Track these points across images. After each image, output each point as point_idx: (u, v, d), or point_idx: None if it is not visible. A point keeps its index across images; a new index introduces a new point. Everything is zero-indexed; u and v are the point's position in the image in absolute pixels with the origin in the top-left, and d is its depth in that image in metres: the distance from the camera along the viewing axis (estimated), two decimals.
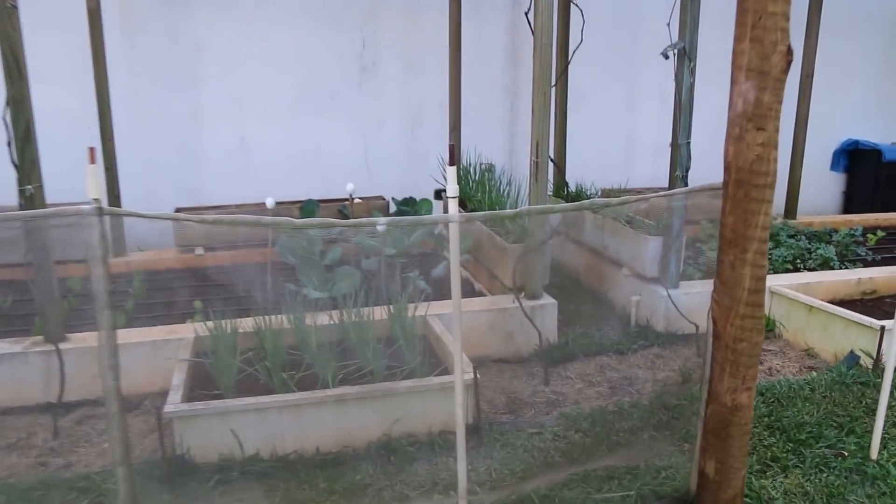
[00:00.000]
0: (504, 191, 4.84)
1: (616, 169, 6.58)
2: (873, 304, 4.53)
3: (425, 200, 5.44)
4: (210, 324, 3.38)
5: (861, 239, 5.37)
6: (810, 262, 4.90)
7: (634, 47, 6.69)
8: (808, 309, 4.12)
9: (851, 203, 7.56)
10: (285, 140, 6.11)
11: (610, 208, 4.59)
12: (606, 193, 5.88)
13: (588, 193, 5.61)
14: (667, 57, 3.94)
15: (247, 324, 3.43)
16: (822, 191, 7.62)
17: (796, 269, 4.82)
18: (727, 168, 2.14)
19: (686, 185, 4.20)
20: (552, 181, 5.86)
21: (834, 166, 7.58)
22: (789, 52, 1.94)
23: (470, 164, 5.62)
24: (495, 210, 4.57)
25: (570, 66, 5.61)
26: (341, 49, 6.09)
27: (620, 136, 6.89)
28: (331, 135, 6.21)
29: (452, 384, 2.36)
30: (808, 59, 6.16)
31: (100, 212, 1.89)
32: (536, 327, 3.90)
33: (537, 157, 3.86)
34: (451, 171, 2.07)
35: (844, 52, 7.22)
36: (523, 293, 4.06)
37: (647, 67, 6.71)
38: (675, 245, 4.23)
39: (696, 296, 4.30)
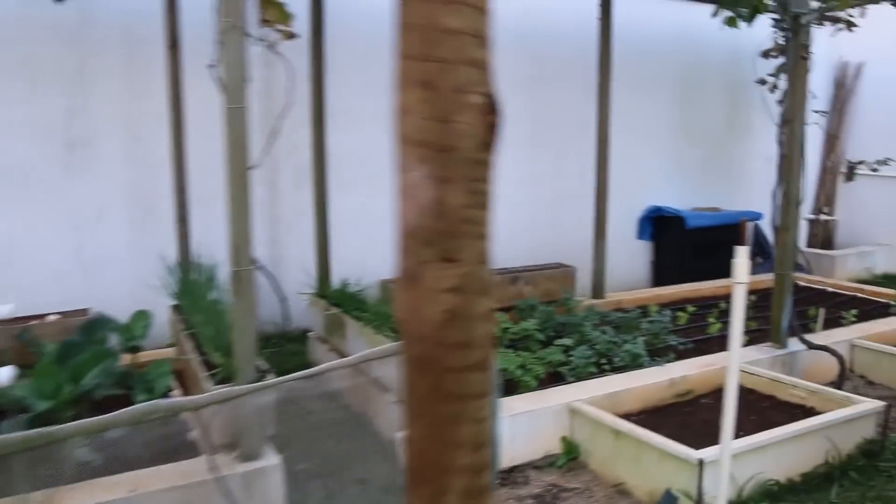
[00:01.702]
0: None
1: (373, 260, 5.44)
2: (690, 410, 3.77)
3: (141, 314, 4.12)
4: None
5: (670, 325, 4.68)
6: (618, 359, 4.09)
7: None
8: (615, 434, 3.24)
9: (660, 273, 7.09)
10: None
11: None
12: (383, 285, 4.88)
13: (349, 290, 4.56)
14: None
15: None
16: (633, 260, 7.11)
17: (602, 371, 3.99)
18: (405, 333, 1.11)
19: None
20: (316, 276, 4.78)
21: (640, 235, 7.11)
22: (492, 107, 0.97)
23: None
24: (213, 334, 3.37)
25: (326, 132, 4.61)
26: (38, 121, 4.73)
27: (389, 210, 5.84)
28: (30, 231, 4.77)
29: None
30: (603, 123, 5.60)
31: None
32: None
33: (238, 266, 2.75)
34: None
35: (638, 114, 6.84)
36: (237, 452, 2.86)
37: None
38: None
39: None
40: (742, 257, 2.14)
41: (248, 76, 2.71)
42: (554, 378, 3.92)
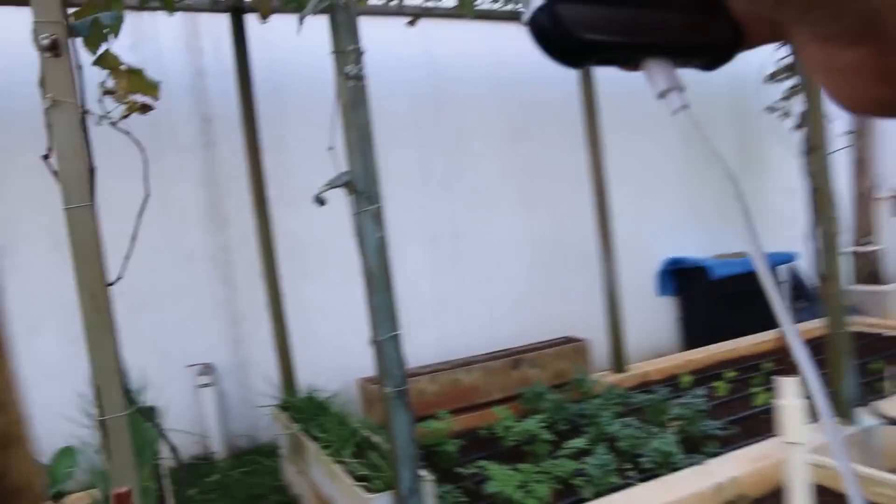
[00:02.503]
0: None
1: (353, 355, 4.46)
2: None
3: (67, 451, 3.41)
4: None
5: (707, 404, 3.83)
6: (645, 458, 3.27)
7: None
8: None
9: (689, 330, 6.26)
10: None
11: None
12: (361, 386, 4.12)
13: (317, 397, 3.82)
14: (322, 203, 2.32)
15: None
16: (656, 319, 6.28)
17: (626, 480, 3.16)
18: None
19: (406, 405, 2.48)
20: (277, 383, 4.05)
21: (661, 290, 6.31)
22: None
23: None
24: None
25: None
26: None
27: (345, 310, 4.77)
28: None
29: None
30: (598, 172, 4.90)
31: None
32: None
33: (106, 414, 2.03)
34: None
35: (639, 159, 6.14)
36: None
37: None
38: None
39: None
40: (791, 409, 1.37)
41: (91, 164, 2.04)
42: (566, 493, 3.10)
